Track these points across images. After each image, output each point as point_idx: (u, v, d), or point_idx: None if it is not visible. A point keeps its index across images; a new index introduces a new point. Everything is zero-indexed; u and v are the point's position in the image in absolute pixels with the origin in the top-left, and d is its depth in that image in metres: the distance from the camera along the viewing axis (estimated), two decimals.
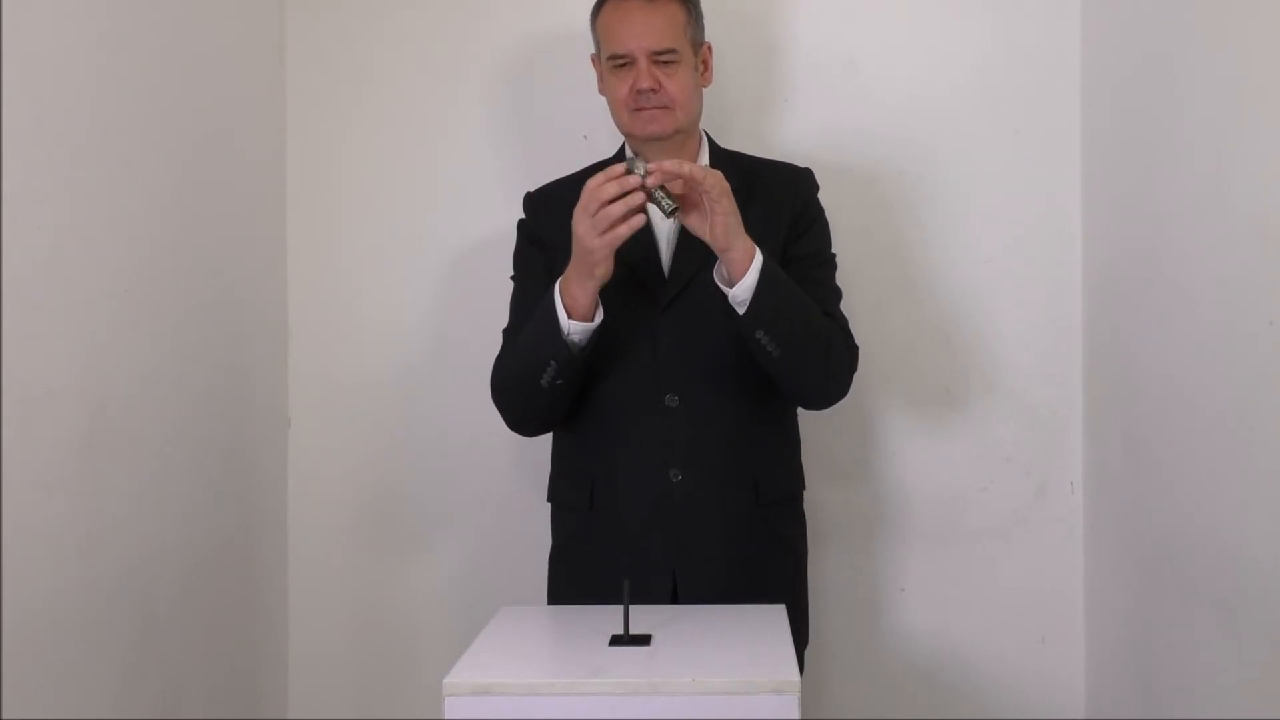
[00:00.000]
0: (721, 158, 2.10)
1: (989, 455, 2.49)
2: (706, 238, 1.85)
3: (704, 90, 2.09)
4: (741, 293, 1.86)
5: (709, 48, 2.09)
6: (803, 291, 1.93)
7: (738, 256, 1.85)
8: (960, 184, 2.48)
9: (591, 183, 1.82)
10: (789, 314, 1.89)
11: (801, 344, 1.91)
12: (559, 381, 1.91)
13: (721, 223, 1.82)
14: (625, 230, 1.80)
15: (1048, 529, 2.49)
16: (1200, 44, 1.95)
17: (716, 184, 1.82)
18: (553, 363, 1.89)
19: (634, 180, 1.80)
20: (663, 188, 1.82)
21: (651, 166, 1.82)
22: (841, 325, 2.03)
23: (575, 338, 1.89)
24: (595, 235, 1.81)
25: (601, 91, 2.08)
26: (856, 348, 2.04)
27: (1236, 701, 1.83)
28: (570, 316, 1.87)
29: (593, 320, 1.89)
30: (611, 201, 1.80)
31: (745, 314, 1.87)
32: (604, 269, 1.84)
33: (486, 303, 2.19)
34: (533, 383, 1.92)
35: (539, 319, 1.92)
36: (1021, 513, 2.49)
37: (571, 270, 1.87)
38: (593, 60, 2.10)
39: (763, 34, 2.50)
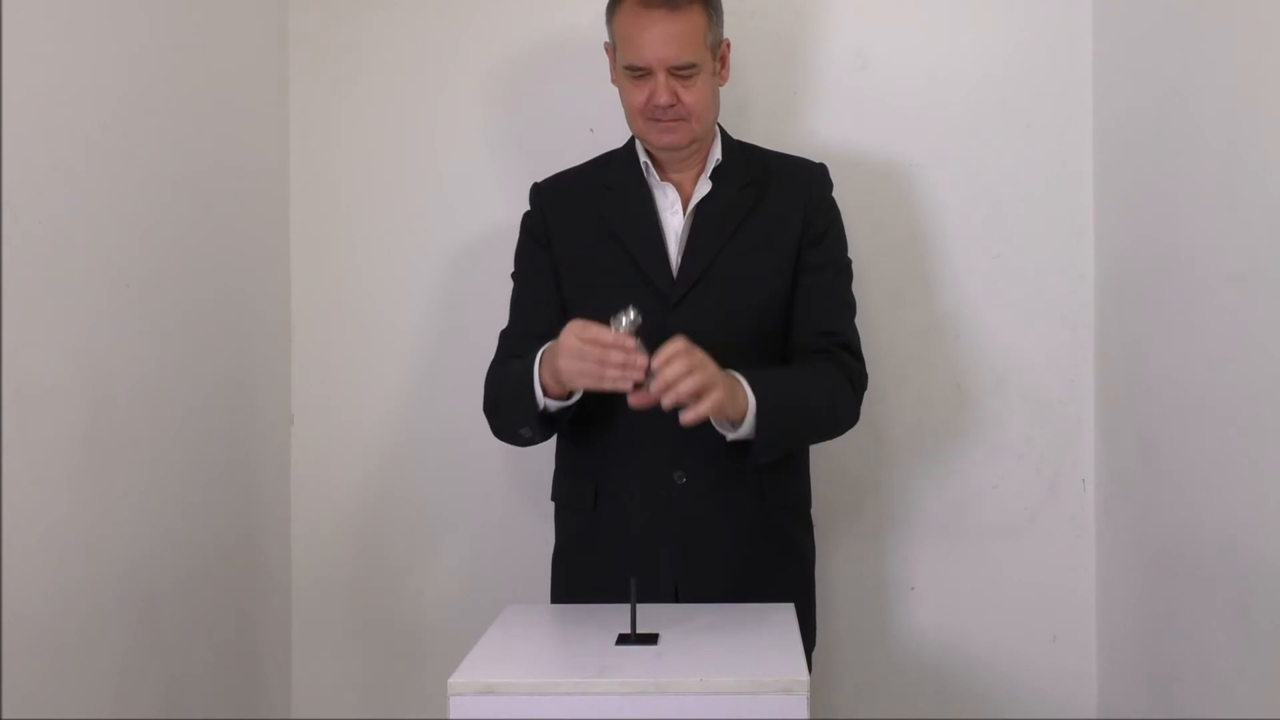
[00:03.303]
0: (734, 150, 2.08)
1: (1000, 452, 2.47)
2: None
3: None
4: (742, 432, 1.86)
5: (727, 44, 2.04)
6: (801, 380, 1.92)
7: (729, 416, 1.84)
8: (972, 178, 2.46)
9: (602, 337, 1.74)
10: (794, 430, 1.93)
11: (809, 437, 2.04)
12: (538, 440, 1.97)
13: (709, 412, 1.78)
14: (608, 387, 1.76)
15: (1059, 526, 2.47)
16: (1213, 37, 1.94)
17: (696, 403, 1.75)
18: (527, 427, 1.92)
19: (640, 362, 1.73)
20: None
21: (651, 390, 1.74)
22: (852, 349, 2.02)
23: (552, 409, 1.89)
24: (579, 376, 1.77)
25: (614, 82, 2.05)
26: (865, 376, 2.04)
27: (1250, 700, 1.82)
28: (546, 395, 1.87)
29: (570, 400, 1.88)
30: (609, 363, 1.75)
31: (751, 453, 1.88)
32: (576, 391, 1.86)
33: (490, 300, 2.17)
34: (512, 433, 1.97)
35: (517, 382, 1.90)
36: (1033, 510, 2.47)
37: (551, 361, 1.82)
38: (606, 49, 2.06)
39: (775, 28, 2.47)
